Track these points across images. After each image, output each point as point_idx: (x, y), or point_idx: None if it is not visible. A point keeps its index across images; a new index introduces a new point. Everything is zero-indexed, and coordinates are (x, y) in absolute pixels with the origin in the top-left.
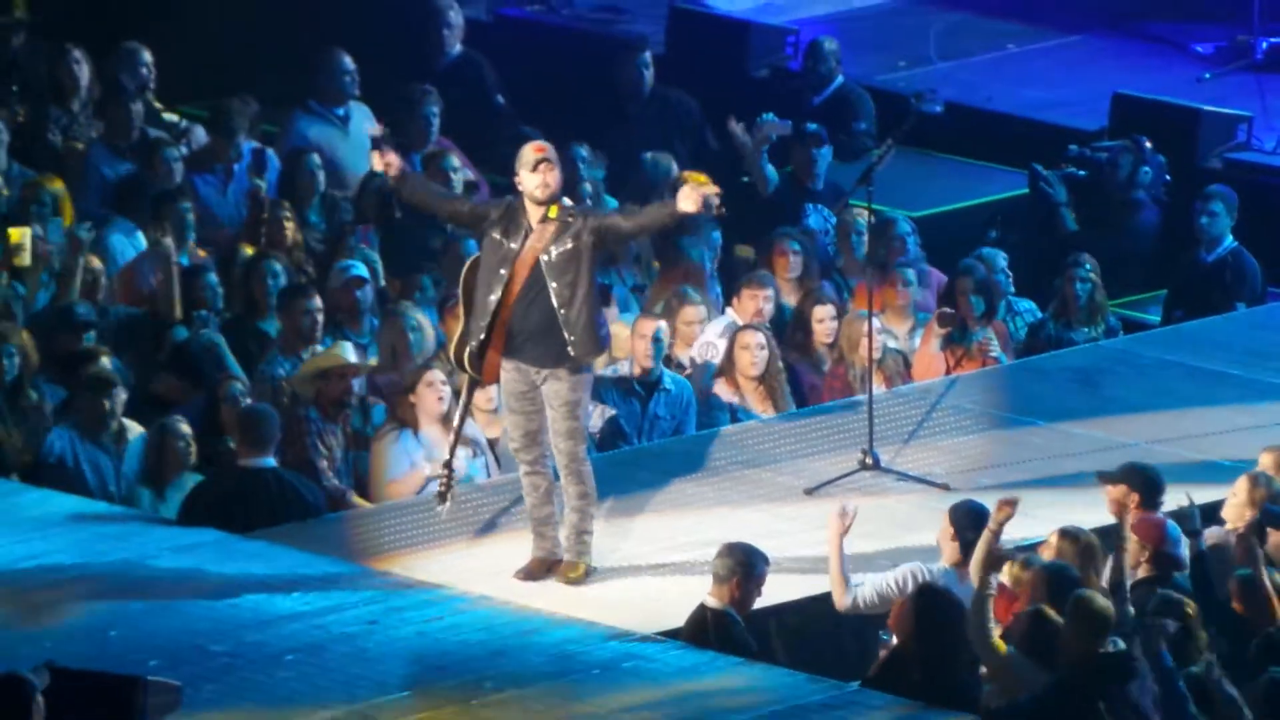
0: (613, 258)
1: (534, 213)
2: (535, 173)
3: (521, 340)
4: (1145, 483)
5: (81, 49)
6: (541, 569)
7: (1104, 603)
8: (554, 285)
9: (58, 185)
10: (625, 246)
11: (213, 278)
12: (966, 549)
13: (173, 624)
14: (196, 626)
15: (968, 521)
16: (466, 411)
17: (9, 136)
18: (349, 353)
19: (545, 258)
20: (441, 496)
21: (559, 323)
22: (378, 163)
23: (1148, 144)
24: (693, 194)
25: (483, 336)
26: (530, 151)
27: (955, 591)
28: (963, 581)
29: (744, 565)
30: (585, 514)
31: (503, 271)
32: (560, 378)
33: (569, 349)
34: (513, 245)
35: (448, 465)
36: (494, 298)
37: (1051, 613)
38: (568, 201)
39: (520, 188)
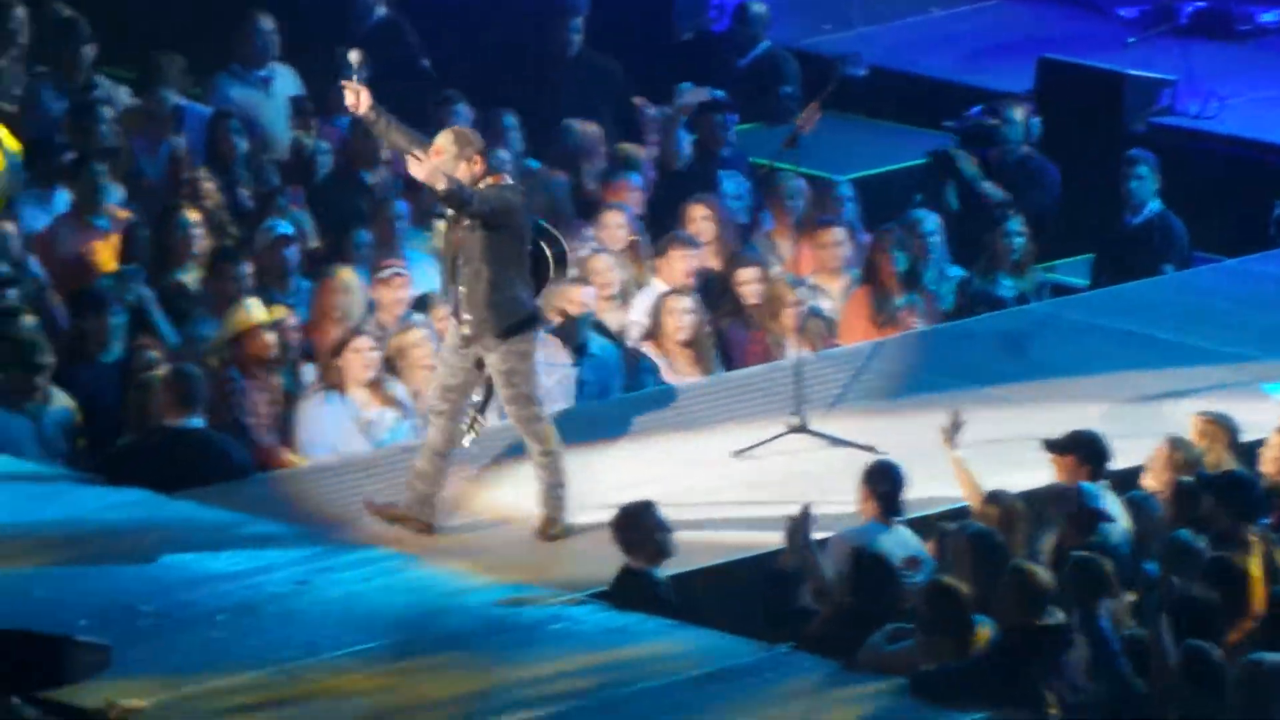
0: None
1: None
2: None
3: (460, 310)
4: (1093, 452)
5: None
6: (388, 516)
7: (1044, 575)
8: (462, 264)
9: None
10: None
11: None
12: (882, 501)
13: (101, 584)
14: (125, 586)
15: (878, 477)
16: None
17: None
18: (255, 311)
19: (458, 235)
20: (467, 428)
21: (463, 301)
22: (349, 95)
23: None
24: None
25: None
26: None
27: (882, 544)
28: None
29: (643, 525)
30: (552, 469)
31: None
32: (489, 348)
33: (465, 328)
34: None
35: (476, 407)
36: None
37: (950, 582)
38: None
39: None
